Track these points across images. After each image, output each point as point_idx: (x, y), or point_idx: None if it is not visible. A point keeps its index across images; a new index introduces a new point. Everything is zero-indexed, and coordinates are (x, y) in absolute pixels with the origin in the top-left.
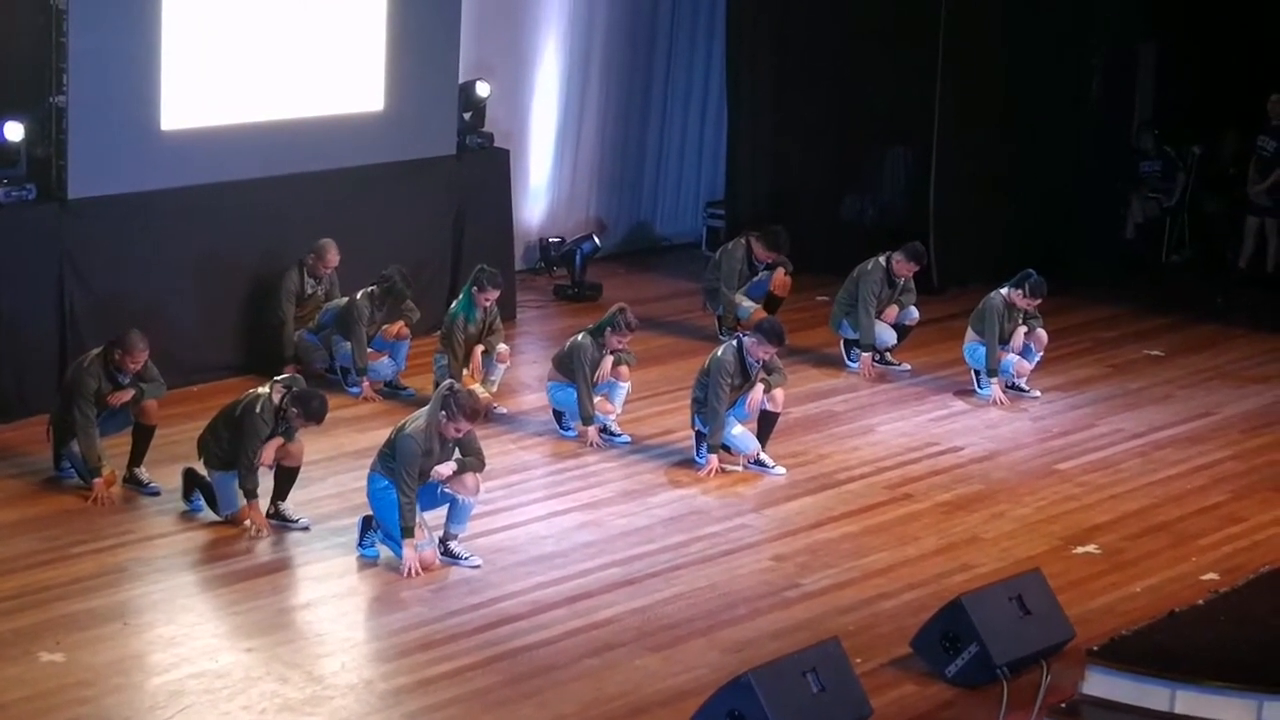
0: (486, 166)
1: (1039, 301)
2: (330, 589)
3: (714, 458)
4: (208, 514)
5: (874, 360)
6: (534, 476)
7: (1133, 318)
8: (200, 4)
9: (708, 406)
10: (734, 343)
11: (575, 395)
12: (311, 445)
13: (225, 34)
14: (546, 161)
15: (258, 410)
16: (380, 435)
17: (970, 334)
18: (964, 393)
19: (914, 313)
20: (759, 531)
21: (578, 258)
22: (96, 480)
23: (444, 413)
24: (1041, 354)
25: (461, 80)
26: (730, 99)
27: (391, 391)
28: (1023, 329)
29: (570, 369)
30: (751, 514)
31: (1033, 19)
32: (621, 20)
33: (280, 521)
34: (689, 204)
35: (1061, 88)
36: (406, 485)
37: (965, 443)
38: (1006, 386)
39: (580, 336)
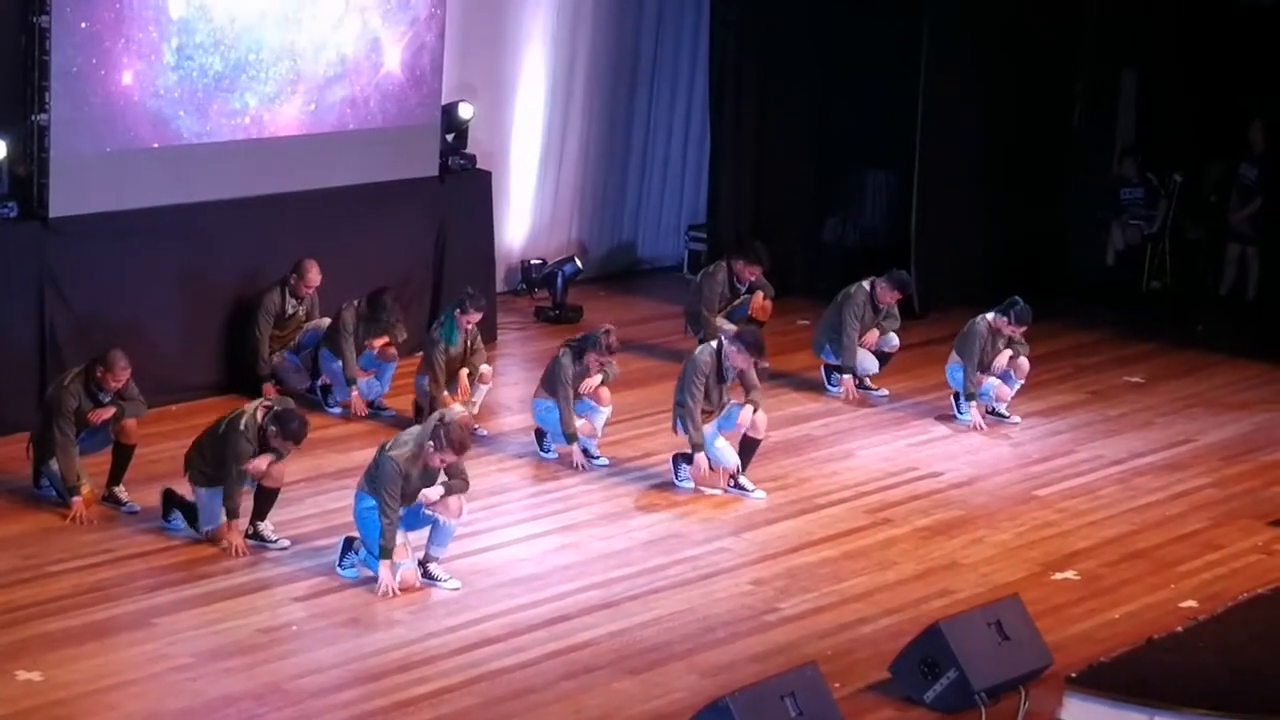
0: (469, 188)
1: (1024, 328)
2: (309, 609)
3: (701, 458)
4: (187, 533)
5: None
6: (514, 498)
7: (1113, 344)
8: (183, 22)
9: (684, 406)
10: (713, 344)
11: (557, 414)
12: (292, 466)
13: (209, 53)
14: (529, 183)
15: (241, 428)
16: (360, 456)
17: (954, 356)
18: (944, 417)
19: (894, 340)
20: (738, 555)
21: (559, 280)
22: (75, 499)
23: (432, 442)
24: (1022, 382)
25: (444, 102)
26: (712, 122)
27: (373, 412)
28: (1007, 353)
29: (554, 387)
30: (731, 537)
31: (1015, 45)
32: (604, 43)
33: (259, 542)
34: (671, 227)
35: (1043, 114)
36: (388, 506)
37: (945, 468)
38: (986, 411)
39: (561, 354)
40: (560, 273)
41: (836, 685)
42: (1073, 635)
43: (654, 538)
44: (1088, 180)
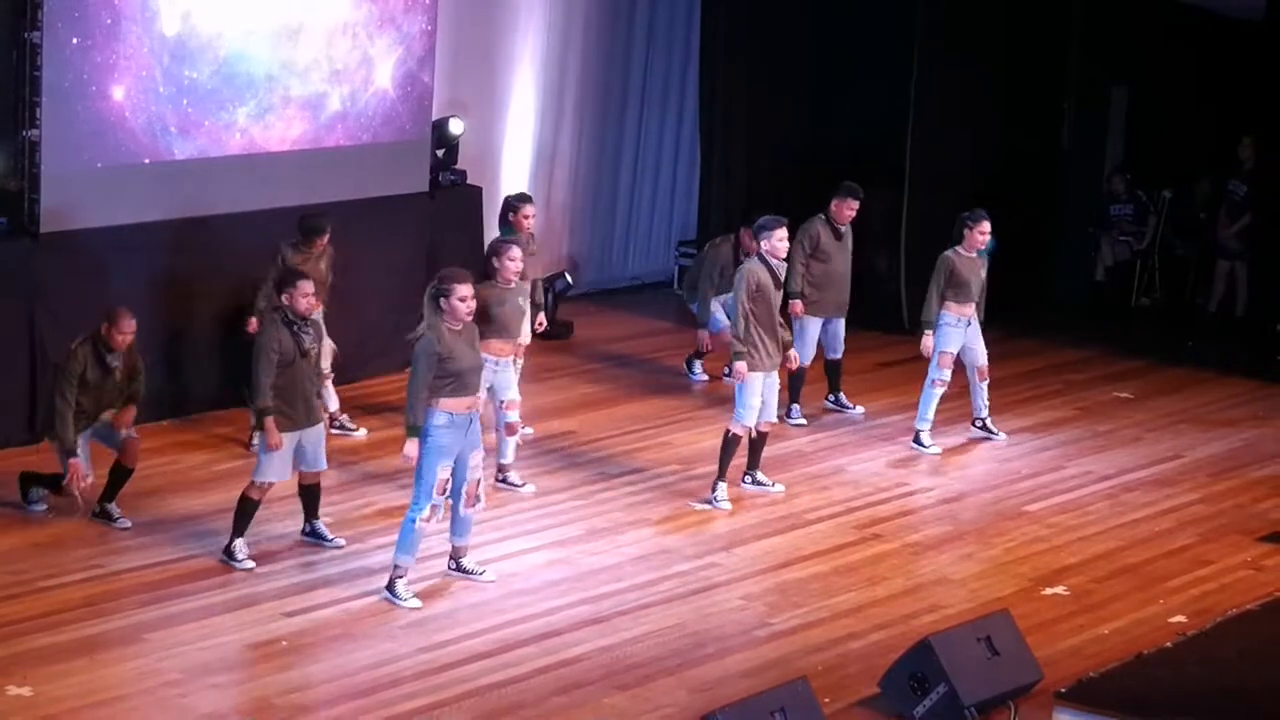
0: (459, 204)
1: (987, 224)
2: (299, 625)
3: (741, 364)
4: (177, 548)
5: (829, 401)
6: (504, 514)
7: (1102, 360)
8: (175, 39)
9: (734, 325)
10: (754, 260)
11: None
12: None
13: (200, 69)
14: None
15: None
16: (358, 469)
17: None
18: (933, 434)
19: (839, 349)
20: (728, 570)
21: (550, 296)
22: (73, 460)
23: (441, 300)
24: (986, 381)
25: (435, 118)
26: (703, 139)
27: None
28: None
29: None
30: (721, 553)
31: (1005, 62)
32: (595, 59)
33: (315, 539)
34: (661, 243)
35: (1033, 131)
36: (417, 379)
37: (934, 483)
38: (977, 427)
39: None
40: (551, 289)
41: (827, 700)
42: (1062, 650)
43: (644, 553)
44: (1077, 197)
